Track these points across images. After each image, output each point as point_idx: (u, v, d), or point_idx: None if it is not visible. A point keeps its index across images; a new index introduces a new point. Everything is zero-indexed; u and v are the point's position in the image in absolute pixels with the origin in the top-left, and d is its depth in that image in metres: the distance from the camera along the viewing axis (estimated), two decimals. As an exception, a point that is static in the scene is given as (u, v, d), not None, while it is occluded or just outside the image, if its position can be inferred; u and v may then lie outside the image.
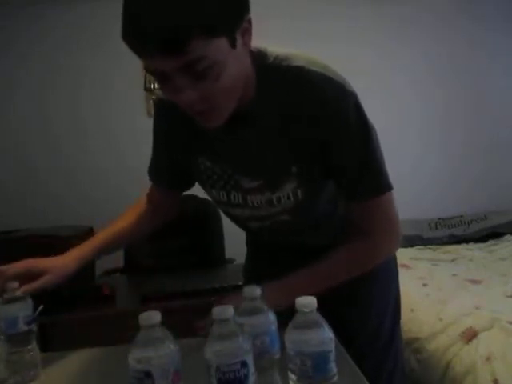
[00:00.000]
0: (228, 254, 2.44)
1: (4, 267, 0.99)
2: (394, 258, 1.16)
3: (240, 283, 1.33)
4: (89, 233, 2.29)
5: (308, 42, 2.76)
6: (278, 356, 0.77)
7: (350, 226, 0.96)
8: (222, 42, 0.74)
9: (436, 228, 2.94)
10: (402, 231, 0.98)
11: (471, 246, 2.83)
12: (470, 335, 1.58)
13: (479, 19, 3.02)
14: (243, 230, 1.17)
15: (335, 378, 0.70)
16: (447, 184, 3.02)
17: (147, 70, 0.77)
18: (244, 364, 0.65)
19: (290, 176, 0.92)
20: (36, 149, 2.71)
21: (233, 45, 0.76)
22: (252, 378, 0.66)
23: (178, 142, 1.03)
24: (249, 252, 1.29)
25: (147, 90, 0.72)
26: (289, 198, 0.94)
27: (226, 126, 0.87)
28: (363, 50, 2.86)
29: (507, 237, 2.87)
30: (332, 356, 0.69)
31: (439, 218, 2.96)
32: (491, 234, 2.91)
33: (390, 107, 2.95)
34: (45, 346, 1.85)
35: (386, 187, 0.92)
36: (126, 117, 2.66)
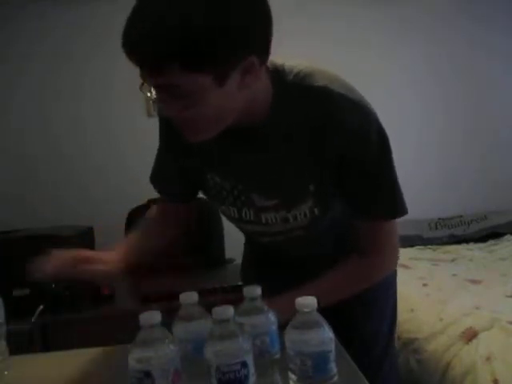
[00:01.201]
0: (228, 254, 2.44)
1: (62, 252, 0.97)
2: (393, 273, 1.16)
3: (240, 283, 1.33)
4: (89, 233, 2.29)
5: (308, 42, 2.77)
6: (277, 356, 0.77)
7: (354, 241, 0.96)
8: (204, 79, 0.73)
9: (436, 228, 2.94)
10: (398, 251, 1.00)
11: (471, 245, 2.82)
12: (470, 335, 1.58)
13: (479, 19, 3.02)
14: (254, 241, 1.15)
15: (335, 378, 0.70)
16: (447, 184, 3.02)
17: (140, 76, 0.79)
18: (244, 364, 0.65)
19: (308, 195, 0.91)
20: (36, 149, 2.71)
21: (220, 83, 0.74)
22: (252, 379, 0.66)
23: (186, 157, 1.01)
24: (246, 251, 1.29)
25: (140, 88, 0.73)
26: (305, 215, 0.94)
27: (238, 141, 0.86)
28: (363, 50, 2.86)
29: (507, 237, 2.86)
30: (332, 356, 0.69)
31: (439, 218, 2.95)
32: (491, 234, 2.90)
33: (390, 107, 2.93)
34: (45, 346, 1.86)
35: (401, 212, 0.94)
36: (126, 117, 2.66)
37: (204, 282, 2.01)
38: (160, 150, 1.10)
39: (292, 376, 0.71)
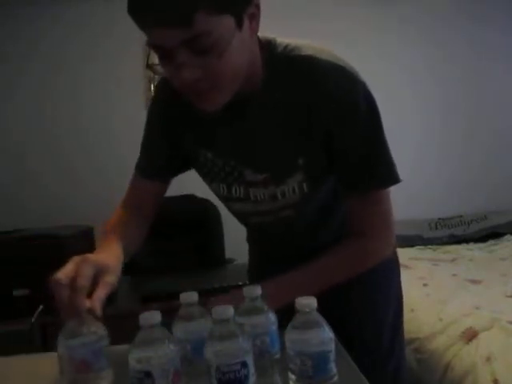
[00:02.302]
0: (228, 253, 2.44)
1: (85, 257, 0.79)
2: (395, 260, 1.14)
3: (240, 283, 1.32)
4: (89, 233, 2.29)
5: (306, 42, 2.77)
6: (278, 356, 0.77)
7: (348, 226, 0.95)
8: (228, 20, 0.73)
9: (436, 228, 2.94)
10: (394, 234, 0.97)
11: (471, 246, 2.83)
12: (470, 335, 1.58)
13: (479, 19, 3.02)
14: (244, 225, 1.14)
15: (335, 378, 0.70)
16: (447, 184, 3.02)
17: (150, 44, 0.76)
18: (244, 364, 0.65)
19: (297, 168, 0.90)
20: (36, 149, 2.71)
21: (239, 25, 0.75)
22: (252, 379, 0.66)
23: (178, 133, 0.99)
24: (250, 249, 1.28)
25: (149, 66, 0.71)
26: (294, 191, 0.93)
27: (230, 114, 0.85)
28: (363, 50, 2.85)
29: (507, 237, 2.86)
30: (332, 356, 0.69)
31: (439, 218, 2.95)
32: (491, 234, 2.91)
33: (390, 107, 2.93)
34: (45, 346, 1.86)
35: (394, 179, 0.90)
36: (127, 117, 2.66)
37: (204, 282, 2.01)
38: (148, 132, 1.06)
39: (292, 376, 0.71)
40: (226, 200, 1.03)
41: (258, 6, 0.78)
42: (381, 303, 1.08)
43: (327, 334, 0.69)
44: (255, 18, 0.79)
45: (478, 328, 1.60)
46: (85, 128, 2.68)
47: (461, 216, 2.97)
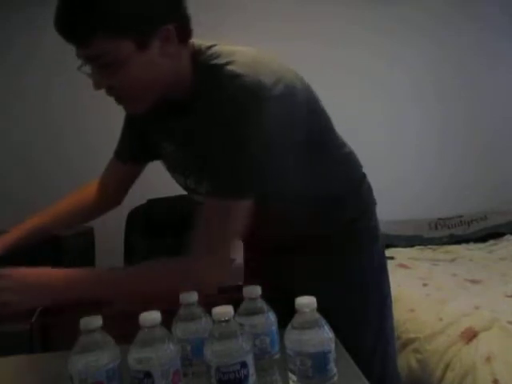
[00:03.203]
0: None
1: None
2: (381, 264, 1.15)
3: (240, 283, 1.32)
4: (89, 233, 2.29)
5: (308, 42, 2.77)
6: (277, 356, 0.77)
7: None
8: (127, 44, 0.82)
9: (436, 228, 2.94)
10: (226, 264, 0.88)
11: (471, 246, 2.83)
12: (470, 335, 1.58)
13: (478, 19, 3.02)
14: None
15: (335, 379, 0.70)
16: (447, 184, 3.02)
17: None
18: (244, 364, 0.65)
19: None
20: (37, 149, 2.71)
21: (141, 47, 0.84)
22: (252, 379, 0.66)
23: (145, 129, 1.09)
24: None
25: (79, 68, 0.82)
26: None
27: (172, 112, 0.94)
28: (361, 51, 2.86)
29: (507, 237, 2.86)
30: (332, 356, 0.69)
31: (439, 218, 2.95)
32: (491, 234, 2.91)
33: (389, 107, 2.95)
34: (45, 346, 1.86)
35: (232, 192, 0.86)
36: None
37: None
38: (124, 122, 1.17)
39: (292, 376, 0.71)
40: (185, 190, 1.08)
41: (168, 30, 0.85)
42: (358, 304, 1.08)
43: (327, 334, 0.69)
44: (169, 39, 0.86)
45: (477, 328, 1.60)
46: (86, 128, 2.68)
47: (461, 216, 2.97)
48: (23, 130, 2.72)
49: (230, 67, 0.87)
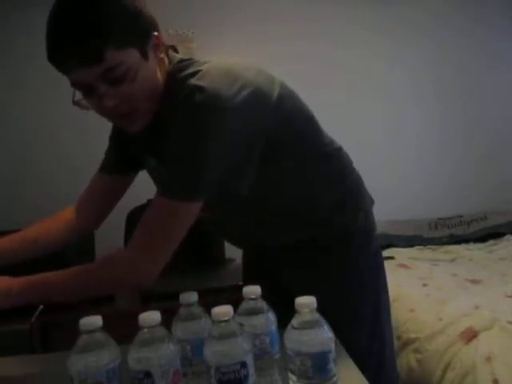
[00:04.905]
0: (228, 253, 2.44)
1: None
2: (376, 264, 1.15)
3: (240, 283, 1.33)
4: (89, 233, 2.29)
5: (308, 42, 2.77)
6: (277, 356, 0.77)
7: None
8: (134, 53, 0.87)
9: (436, 228, 2.94)
10: (159, 264, 0.88)
11: (471, 245, 2.82)
12: (470, 335, 1.58)
13: (478, 19, 3.02)
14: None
15: (335, 379, 0.70)
16: (447, 184, 3.02)
17: (74, 85, 0.90)
18: (244, 364, 0.65)
19: None
20: (38, 149, 2.71)
21: (144, 57, 0.88)
22: (252, 379, 0.66)
23: (130, 144, 1.11)
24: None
25: (75, 103, 0.79)
26: None
27: (155, 128, 0.95)
28: (361, 51, 2.86)
29: (507, 237, 2.86)
30: (332, 356, 0.69)
31: (439, 218, 2.95)
32: (491, 234, 2.91)
33: (389, 107, 2.94)
34: (45, 346, 1.86)
35: (180, 194, 0.88)
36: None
37: (204, 282, 2.01)
38: (111, 133, 1.22)
39: (292, 376, 0.71)
40: None
41: (158, 37, 0.91)
42: (353, 304, 1.09)
43: (327, 334, 0.69)
44: (158, 47, 0.92)
45: (477, 328, 1.59)
46: (87, 128, 2.67)
47: (461, 216, 2.97)
48: (23, 130, 2.72)
49: (193, 80, 0.89)
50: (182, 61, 0.97)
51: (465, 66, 3.03)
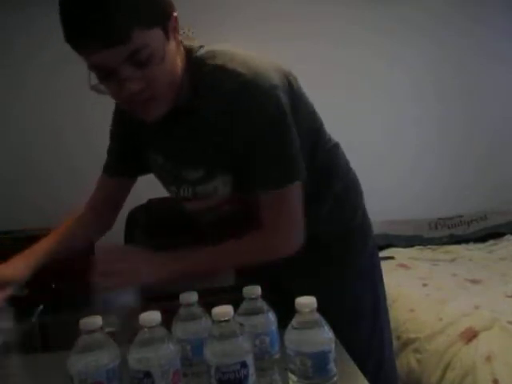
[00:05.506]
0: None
1: None
2: (372, 263, 1.15)
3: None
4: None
5: (308, 42, 2.77)
6: (278, 356, 0.77)
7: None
8: (159, 33, 0.83)
9: (436, 228, 2.94)
10: (297, 233, 0.96)
11: (471, 246, 2.83)
12: (470, 335, 1.58)
13: (478, 19, 3.02)
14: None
15: (335, 379, 0.69)
16: (447, 184, 3.02)
17: (93, 68, 0.83)
18: (244, 364, 0.65)
19: (223, 166, 0.96)
20: (38, 149, 2.71)
21: (167, 37, 0.84)
22: (252, 378, 0.66)
23: (135, 141, 1.08)
24: None
25: (93, 87, 0.76)
26: (225, 185, 0.98)
27: (167, 121, 0.92)
28: (361, 51, 2.86)
29: (507, 237, 2.86)
30: (332, 356, 0.69)
31: (439, 218, 2.95)
32: (491, 234, 2.91)
33: (389, 107, 2.95)
34: (45, 346, 1.86)
35: (289, 179, 0.93)
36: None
37: (204, 282, 2.01)
38: (111, 137, 1.17)
39: (292, 376, 0.71)
40: (178, 201, 1.08)
41: (176, 19, 0.87)
42: (351, 304, 1.09)
43: (327, 334, 0.69)
44: (176, 30, 0.88)
45: (477, 328, 1.60)
46: (88, 128, 2.67)
47: (461, 216, 2.97)
48: (23, 130, 2.72)
49: (232, 67, 0.89)
50: (200, 47, 0.95)
51: (465, 65, 3.03)
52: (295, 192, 0.94)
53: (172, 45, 0.86)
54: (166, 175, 1.07)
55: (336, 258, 1.09)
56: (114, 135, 1.16)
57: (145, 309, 0.71)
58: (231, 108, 0.89)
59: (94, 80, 0.86)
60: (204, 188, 1.00)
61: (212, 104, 0.91)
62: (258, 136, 0.91)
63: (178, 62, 0.90)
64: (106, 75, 0.83)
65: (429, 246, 2.83)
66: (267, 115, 0.89)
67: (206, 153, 0.96)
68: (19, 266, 1.04)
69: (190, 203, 1.05)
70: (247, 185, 0.96)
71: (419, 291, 2.04)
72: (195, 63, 0.93)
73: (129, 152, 1.12)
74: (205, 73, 0.91)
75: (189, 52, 0.94)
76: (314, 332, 0.69)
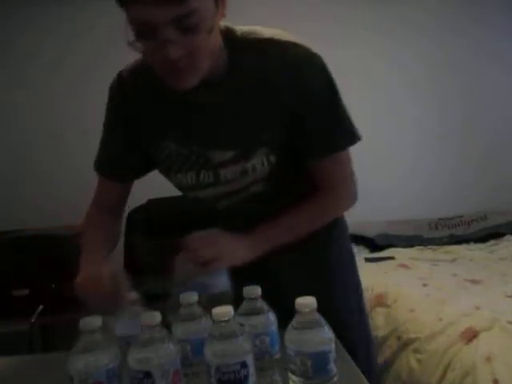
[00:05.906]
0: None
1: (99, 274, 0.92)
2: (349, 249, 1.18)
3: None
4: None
5: (308, 42, 2.77)
6: (278, 356, 0.77)
7: (318, 186, 1.01)
8: (211, 3, 0.80)
9: (436, 228, 2.94)
10: (357, 189, 1.06)
11: (471, 246, 2.82)
12: (470, 335, 1.58)
13: (478, 19, 3.02)
14: (209, 216, 1.13)
15: (335, 379, 0.69)
16: (447, 184, 3.02)
17: (135, 22, 0.78)
18: (244, 364, 0.65)
19: (262, 143, 0.95)
20: (38, 149, 2.71)
21: (217, 5, 0.81)
22: (252, 379, 0.66)
23: (140, 128, 1.01)
24: None
25: (130, 44, 0.72)
26: (263, 164, 0.96)
27: (198, 95, 0.90)
28: (361, 51, 2.86)
29: (507, 237, 2.86)
30: (332, 356, 0.69)
31: (439, 218, 2.95)
32: (491, 234, 2.91)
33: (390, 107, 2.95)
34: (45, 346, 1.86)
35: (356, 138, 1.00)
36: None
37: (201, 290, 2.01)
38: (107, 131, 1.10)
39: (292, 376, 0.71)
40: (193, 189, 1.03)
41: None
42: (337, 291, 1.09)
43: (327, 334, 0.69)
44: (224, 3, 0.84)
45: (478, 328, 1.59)
46: (89, 127, 2.66)
47: (461, 216, 2.97)
48: (23, 130, 2.72)
49: (284, 39, 0.91)
50: (229, 27, 0.94)
51: (465, 66, 3.03)
52: (350, 153, 1.01)
53: (218, 17, 0.83)
54: (180, 162, 1.00)
55: (323, 245, 1.10)
56: (109, 132, 1.09)
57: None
58: (283, 78, 0.90)
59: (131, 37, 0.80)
60: (232, 170, 0.97)
61: (257, 77, 0.91)
62: (317, 101, 0.93)
63: (219, 37, 0.88)
64: (146, 34, 0.78)
65: (429, 246, 2.83)
66: (327, 78, 0.93)
67: (244, 131, 0.94)
68: (100, 261, 0.98)
69: (211, 189, 1.00)
70: (289, 160, 0.98)
71: (419, 291, 2.04)
72: (235, 39, 0.92)
73: (126, 151, 1.05)
74: (246, 48, 0.91)
75: (228, 29, 0.92)
76: (314, 332, 0.69)
